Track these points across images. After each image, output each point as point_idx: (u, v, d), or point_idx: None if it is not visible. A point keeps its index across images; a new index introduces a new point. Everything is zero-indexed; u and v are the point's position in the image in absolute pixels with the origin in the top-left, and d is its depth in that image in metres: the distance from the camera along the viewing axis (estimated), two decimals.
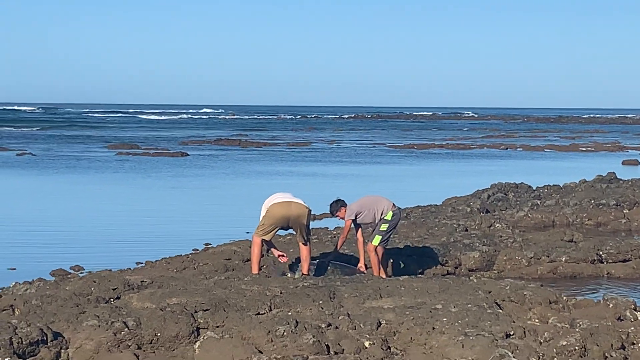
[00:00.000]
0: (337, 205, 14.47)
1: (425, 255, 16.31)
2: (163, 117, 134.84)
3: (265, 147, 60.28)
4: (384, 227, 14.41)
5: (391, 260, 15.67)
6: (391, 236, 14.99)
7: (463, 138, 77.44)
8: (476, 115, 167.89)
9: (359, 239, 14.77)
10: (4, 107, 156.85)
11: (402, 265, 15.70)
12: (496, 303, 11.08)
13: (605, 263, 16.85)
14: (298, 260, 14.43)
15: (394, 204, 14.62)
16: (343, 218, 14.50)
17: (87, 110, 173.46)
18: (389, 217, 14.43)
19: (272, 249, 14.40)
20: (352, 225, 14.59)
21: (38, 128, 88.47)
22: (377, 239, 14.38)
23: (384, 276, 14.05)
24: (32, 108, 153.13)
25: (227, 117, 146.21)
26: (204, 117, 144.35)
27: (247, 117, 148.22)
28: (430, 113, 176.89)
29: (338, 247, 14.97)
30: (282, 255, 14.37)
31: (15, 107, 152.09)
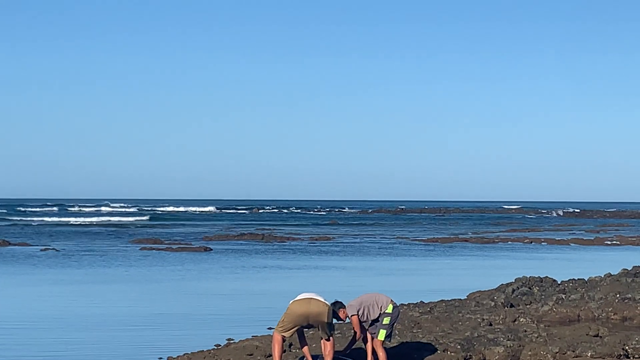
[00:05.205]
0: (336, 307, 14.30)
1: (449, 350, 16.13)
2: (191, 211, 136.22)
3: (288, 242, 60.26)
4: (386, 320, 14.56)
5: (414, 356, 15.54)
6: (394, 330, 15.06)
7: (487, 232, 77.24)
8: (499, 209, 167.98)
9: (367, 338, 14.69)
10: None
11: None
12: None
13: (631, 358, 16.59)
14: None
15: (391, 299, 14.76)
16: (345, 318, 14.45)
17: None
18: (389, 309, 14.61)
19: (304, 349, 14.22)
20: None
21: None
22: (382, 334, 14.52)
23: None
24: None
25: (251, 211, 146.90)
26: (230, 211, 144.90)
27: (270, 211, 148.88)
28: (454, 208, 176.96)
29: (352, 344, 14.91)
30: None
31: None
